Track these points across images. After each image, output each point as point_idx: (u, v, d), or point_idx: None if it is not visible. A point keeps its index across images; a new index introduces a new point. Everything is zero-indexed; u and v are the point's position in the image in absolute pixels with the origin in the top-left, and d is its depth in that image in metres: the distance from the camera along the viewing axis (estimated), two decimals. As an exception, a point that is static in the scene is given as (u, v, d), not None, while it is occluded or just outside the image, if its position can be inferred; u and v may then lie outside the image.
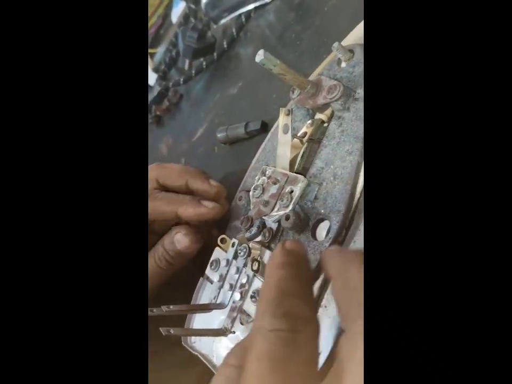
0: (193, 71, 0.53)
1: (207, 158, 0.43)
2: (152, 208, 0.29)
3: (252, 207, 0.28)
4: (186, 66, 0.56)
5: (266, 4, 0.48)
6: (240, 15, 0.51)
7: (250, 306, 0.25)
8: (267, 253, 0.25)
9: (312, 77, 0.30)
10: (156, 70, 0.69)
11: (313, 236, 0.24)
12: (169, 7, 0.88)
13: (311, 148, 0.27)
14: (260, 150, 0.32)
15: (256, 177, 0.29)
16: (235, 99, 0.44)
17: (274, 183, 0.26)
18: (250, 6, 0.50)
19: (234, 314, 0.25)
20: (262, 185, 0.28)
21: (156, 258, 0.30)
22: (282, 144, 0.27)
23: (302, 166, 0.27)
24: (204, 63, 0.52)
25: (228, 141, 0.39)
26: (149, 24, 0.91)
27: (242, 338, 0.24)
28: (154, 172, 0.32)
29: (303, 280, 0.19)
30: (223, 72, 0.50)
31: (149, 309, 0.24)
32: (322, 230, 0.24)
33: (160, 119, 0.61)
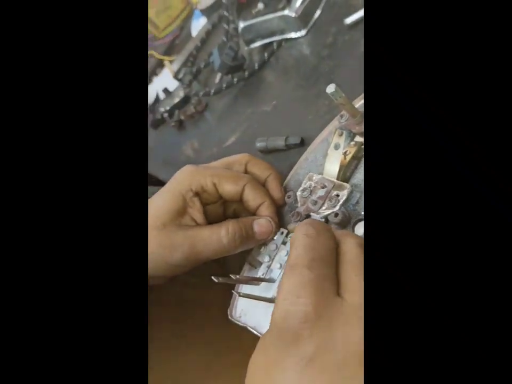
0: (224, 85, 0.60)
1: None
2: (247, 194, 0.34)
3: (299, 204, 0.35)
4: (217, 80, 0.63)
5: (298, 38, 0.56)
6: (272, 42, 0.59)
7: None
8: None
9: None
10: (176, 77, 0.75)
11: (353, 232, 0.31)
12: (187, 20, 0.94)
13: (352, 163, 0.34)
14: (301, 159, 0.39)
15: (304, 181, 0.35)
16: (269, 115, 0.51)
17: (322, 187, 0.33)
18: (283, 37, 0.58)
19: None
20: (310, 188, 0.34)
21: (228, 230, 0.33)
22: (332, 157, 0.34)
23: (345, 176, 0.34)
24: (235, 79, 0.59)
25: (265, 151, 0.46)
26: (165, 33, 0.97)
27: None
28: (244, 159, 0.38)
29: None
30: (254, 90, 0.57)
31: (213, 276, 0.30)
32: (360, 228, 0.31)
33: (182, 124, 0.67)
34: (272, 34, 0.58)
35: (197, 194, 0.35)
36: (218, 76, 0.62)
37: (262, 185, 0.36)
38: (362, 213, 0.31)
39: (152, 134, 0.73)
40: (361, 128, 0.34)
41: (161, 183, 0.63)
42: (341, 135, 0.33)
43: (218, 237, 0.32)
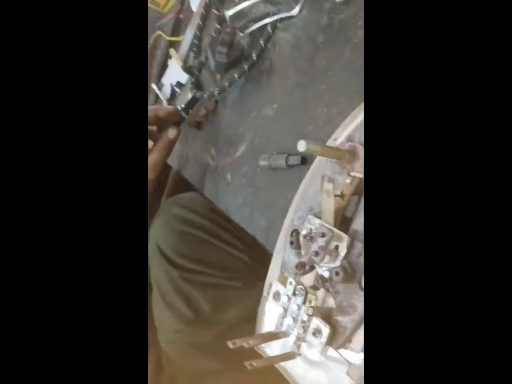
0: (227, 83, 0.56)
1: (252, 178, 0.48)
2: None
3: (303, 252, 0.33)
4: (218, 78, 0.59)
5: (292, 17, 0.49)
6: (266, 25, 0.52)
7: (312, 340, 0.31)
8: (319, 297, 0.31)
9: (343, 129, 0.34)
10: (184, 68, 0.72)
11: (361, 286, 0.29)
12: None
13: (353, 201, 0.32)
14: (300, 191, 0.37)
15: (305, 225, 0.34)
16: (272, 121, 0.47)
17: (322, 237, 0.32)
18: (275, 17, 0.51)
19: (299, 343, 0.32)
20: (310, 233, 0.33)
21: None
22: (325, 204, 0.31)
23: (345, 220, 0.31)
24: (236, 75, 0.55)
25: (269, 168, 0.44)
26: (168, 7, 0.92)
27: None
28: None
29: None
30: (255, 87, 0.52)
31: (230, 342, 0.31)
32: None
33: (199, 124, 0.65)
34: (264, 16, 0.52)
35: None
36: (218, 75, 0.58)
37: None
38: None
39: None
40: (353, 167, 0.30)
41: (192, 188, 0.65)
42: (329, 181, 0.30)
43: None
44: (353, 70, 0.38)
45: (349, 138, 0.33)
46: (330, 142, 0.36)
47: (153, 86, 0.78)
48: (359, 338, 0.29)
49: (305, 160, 0.40)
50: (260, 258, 0.56)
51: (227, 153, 0.55)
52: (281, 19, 0.51)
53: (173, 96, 0.75)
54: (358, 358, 0.29)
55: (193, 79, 0.65)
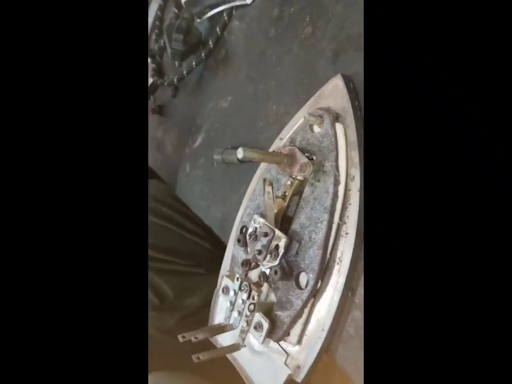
0: (185, 71, 0.55)
1: (208, 170, 0.49)
2: None
3: (249, 250, 0.35)
4: (176, 65, 0.58)
5: (247, 5, 0.48)
6: (222, 12, 0.52)
7: (255, 333, 0.33)
8: (264, 291, 0.33)
9: (287, 134, 0.34)
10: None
11: (297, 284, 0.31)
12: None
13: (293, 201, 0.33)
14: (250, 189, 0.38)
15: (251, 223, 0.35)
16: (226, 114, 0.48)
17: (265, 236, 0.33)
18: (230, 4, 0.50)
19: (244, 335, 0.34)
20: (255, 232, 0.34)
21: None
22: (267, 205, 0.33)
23: (286, 219, 0.33)
24: (194, 63, 0.54)
25: (223, 163, 0.44)
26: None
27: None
28: None
29: None
30: (212, 78, 0.52)
31: (180, 336, 0.33)
32: (303, 278, 0.31)
33: (160, 108, 0.65)
34: (219, 4, 0.51)
35: None
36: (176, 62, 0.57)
37: None
38: (302, 265, 0.31)
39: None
40: (292, 171, 0.32)
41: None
42: (269, 185, 0.31)
43: None
44: (300, 67, 0.39)
45: (291, 140, 0.34)
46: (276, 142, 0.37)
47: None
48: (295, 332, 0.31)
49: (256, 156, 0.41)
50: (222, 245, 0.58)
51: (186, 143, 0.55)
52: (237, 7, 0.50)
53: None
54: (294, 350, 0.31)
55: (154, 65, 0.64)
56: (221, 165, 0.46)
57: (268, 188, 0.32)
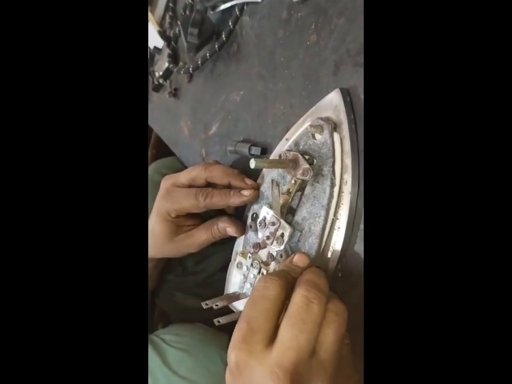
0: (199, 61, 0.60)
1: (222, 158, 0.55)
2: (209, 203, 0.43)
3: (259, 235, 0.42)
4: (191, 56, 0.62)
5: (257, 3, 0.52)
6: (234, 7, 0.55)
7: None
8: (271, 268, 0.41)
9: (294, 135, 0.40)
10: (160, 32, 0.74)
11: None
12: None
13: (297, 196, 0.40)
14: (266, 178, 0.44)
15: (262, 213, 0.42)
16: (239, 108, 0.53)
17: (272, 225, 0.40)
18: (242, 0, 0.54)
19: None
20: (264, 221, 0.41)
21: (211, 233, 0.46)
22: (275, 201, 0.39)
23: (290, 211, 0.40)
24: (208, 54, 0.59)
25: (235, 154, 0.51)
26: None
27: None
28: (204, 174, 0.45)
29: None
30: (225, 71, 0.57)
31: (203, 303, 0.41)
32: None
33: (176, 92, 0.70)
34: (231, -1, 0.55)
35: (177, 215, 0.47)
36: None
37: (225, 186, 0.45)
38: (302, 250, 0.38)
39: (154, 96, 0.77)
40: (296, 174, 0.38)
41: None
42: (277, 185, 0.37)
43: (206, 236, 0.47)
44: (305, 73, 0.43)
45: (296, 143, 0.40)
46: (283, 142, 0.43)
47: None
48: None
49: (266, 151, 0.47)
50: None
51: (201, 129, 0.61)
52: (247, 3, 0.54)
53: (151, 59, 0.78)
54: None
55: (169, 51, 0.68)
56: (234, 155, 0.52)
57: (275, 188, 0.38)
